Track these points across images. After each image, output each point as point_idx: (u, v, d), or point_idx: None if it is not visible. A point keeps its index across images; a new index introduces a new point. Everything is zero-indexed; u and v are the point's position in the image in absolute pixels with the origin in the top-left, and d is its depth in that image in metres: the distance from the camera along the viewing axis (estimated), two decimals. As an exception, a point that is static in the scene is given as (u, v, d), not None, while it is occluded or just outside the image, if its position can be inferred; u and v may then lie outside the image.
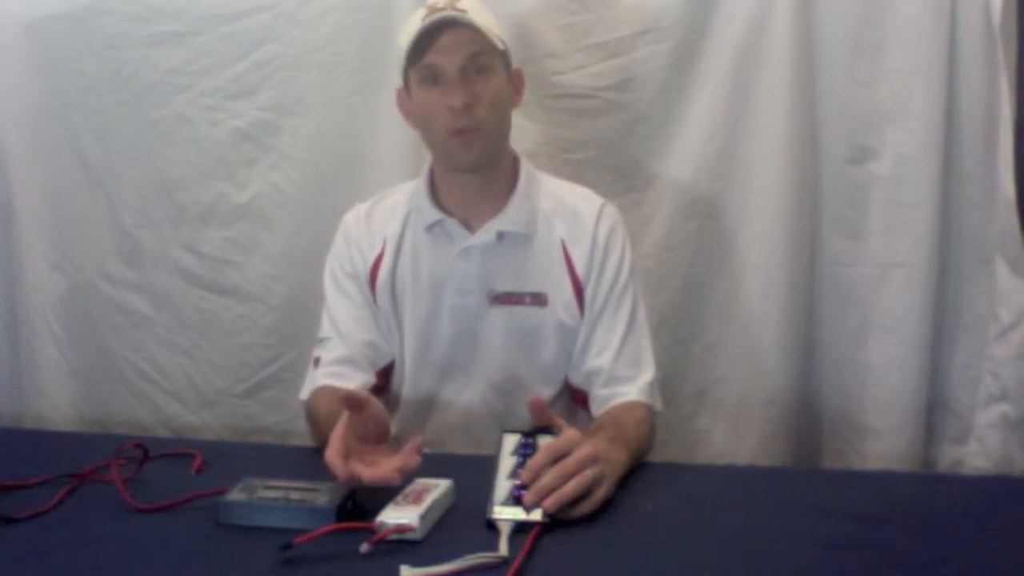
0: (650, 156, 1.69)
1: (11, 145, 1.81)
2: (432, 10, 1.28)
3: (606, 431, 1.21)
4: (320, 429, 1.29)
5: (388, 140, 1.71)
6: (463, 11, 1.27)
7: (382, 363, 1.40)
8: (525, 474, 1.03)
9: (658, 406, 1.37)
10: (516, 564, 0.90)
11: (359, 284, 1.40)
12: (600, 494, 1.04)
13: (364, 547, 0.93)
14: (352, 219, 1.43)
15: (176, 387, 1.85)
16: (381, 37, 1.68)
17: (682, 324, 1.73)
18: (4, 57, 1.78)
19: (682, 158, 1.69)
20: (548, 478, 1.01)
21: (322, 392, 1.34)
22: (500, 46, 1.29)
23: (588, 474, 1.02)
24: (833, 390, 1.72)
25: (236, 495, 1.05)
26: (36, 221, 1.83)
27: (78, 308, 1.85)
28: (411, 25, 1.30)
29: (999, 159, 1.51)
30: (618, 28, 1.64)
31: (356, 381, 1.35)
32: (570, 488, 1.01)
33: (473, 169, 1.33)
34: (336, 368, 1.36)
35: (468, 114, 1.26)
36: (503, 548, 0.93)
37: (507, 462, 1.08)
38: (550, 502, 1.00)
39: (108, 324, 1.85)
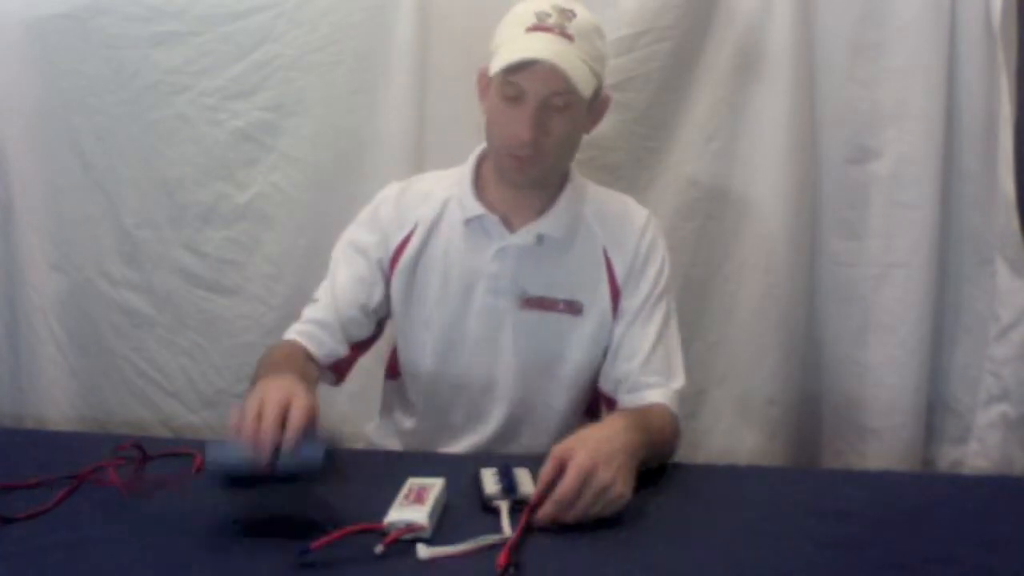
0: (650, 156, 1.69)
1: (11, 145, 1.81)
2: (540, 24, 1.21)
3: (624, 418, 1.18)
4: (266, 363, 1.26)
5: (388, 140, 1.71)
6: (571, 37, 1.20)
7: (359, 338, 1.37)
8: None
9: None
10: (512, 540, 0.95)
11: (368, 262, 1.36)
12: (619, 489, 1.02)
13: (379, 548, 0.94)
14: (382, 200, 1.39)
15: (176, 387, 1.85)
16: (381, 37, 1.69)
17: (682, 324, 1.70)
18: (4, 57, 1.78)
19: (682, 158, 1.69)
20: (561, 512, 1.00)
21: (286, 342, 1.32)
22: (589, 92, 1.22)
23: (590, 495, 1.01)
24: (833, 390, 1.73)
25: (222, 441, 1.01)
26: (36, 221, 1.83)
27: (78, 308, 1.85)
28: (516, 25, 1.23)
29: (999, 159, 1.51)
30: (618, 28, 1.63)
31: (326, 348, 1.32)
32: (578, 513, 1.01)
33: (521, 188, 1.31)
34: (311, 328, 1.33)
35: (532, 146, 1.22)
36: (506, 527, 0.98)
37: (489, 480, 1.09)
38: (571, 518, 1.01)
39: (108, 324, 1.85)
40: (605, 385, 1.35)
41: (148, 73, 1.75)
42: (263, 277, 1.79)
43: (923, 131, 1.58)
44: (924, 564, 0.95)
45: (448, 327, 1.35)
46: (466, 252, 1.34)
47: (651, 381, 1.30)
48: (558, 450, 1.04)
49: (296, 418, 0.97)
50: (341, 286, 1.36)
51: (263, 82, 1.73)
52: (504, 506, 1.03)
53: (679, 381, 1.32)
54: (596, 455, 1.02)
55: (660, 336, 1.32)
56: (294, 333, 1.33)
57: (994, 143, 1.52)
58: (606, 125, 1.66)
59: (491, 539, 0.96)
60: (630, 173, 1.69)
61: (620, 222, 1.35)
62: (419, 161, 1.67)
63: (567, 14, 1.22)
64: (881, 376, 1.67)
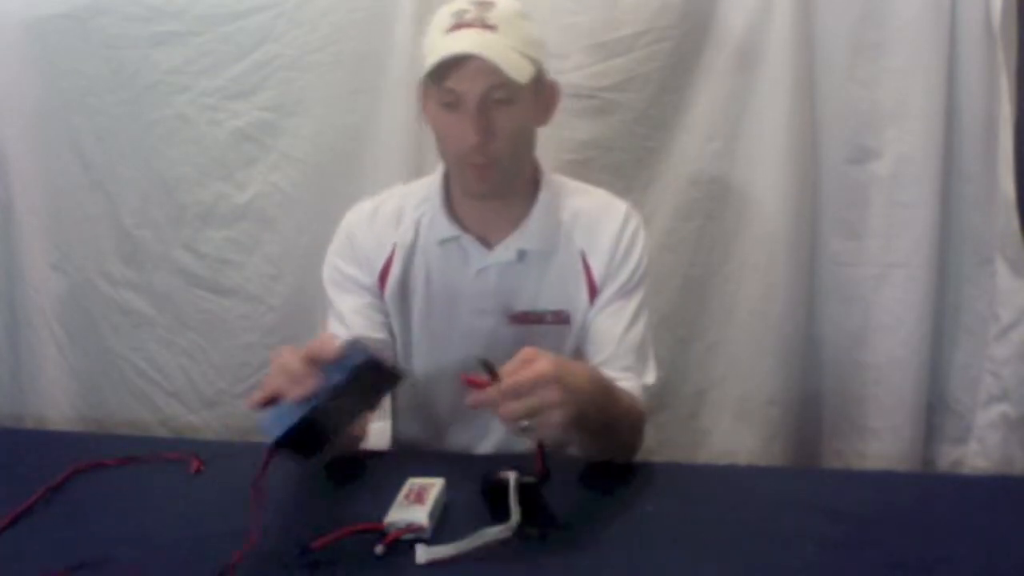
0: (650, 156, 1.69)
1: (11, 145, 1.81)
2: (459, 22, 1.16)
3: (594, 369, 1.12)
4: None
5: (388, 140, 1.71)
6: (493, 27, 1.15)
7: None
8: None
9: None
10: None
11: (362, 286, 1.32)
12: (554, 418, 0.96)
13: (379, 548, 0.95)
14: (356, 221, 1.34)
15: (176, 387, 1.85)
16: (381, 37, 1.69)
17: (682, 324, 1.73)
18: (4, 57, 1.78)
19: (682, 158, 1.69)
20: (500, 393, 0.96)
21: None
22: (525, 79, 1.16)
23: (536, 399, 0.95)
24: (833, 390, 1.73)
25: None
26: (36, 221, 1.83)
27: (78, 308, 1.85)
28: (436, 31, 1.18)
29: (999, 159, 1.51)
30: (618, 28, 1.63)
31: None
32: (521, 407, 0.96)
33: (485, 198, 1.26)
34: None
35: (483, 149, 1.17)
36: (514, 514, 0.95)
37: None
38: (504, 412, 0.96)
39: (108, 324, 1.85)
40: None
41: (148, 73, 1.75)
42: (263, 277, 1.79)
43: (923, 131, 1.58)
44: (924, 564, 0.95)
45: (435, 350, 1.32)
46: (447, 273, 1.30)
47: (620, 376, 1.24)
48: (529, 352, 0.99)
49: (318, 341, 0.96)
50: (351, 318, 1.29)
51: (263, 82, 1.73)
52: (512, 480, 0.99)
53: (650, 377, 1.29)
54: (560, 372, 0.97)
55: (628, 329, 1.27)
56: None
57: (994, 143, 1.52)
58: (606, 125, 1.68)
59: (491, 533, 0.95)
60: (630, 173, 1.69)
61: (598, 222, 1.30)
62: (419, 161, 1.67)
63: (485, 6, 1.16)
64: (881, 376, 1.67)
